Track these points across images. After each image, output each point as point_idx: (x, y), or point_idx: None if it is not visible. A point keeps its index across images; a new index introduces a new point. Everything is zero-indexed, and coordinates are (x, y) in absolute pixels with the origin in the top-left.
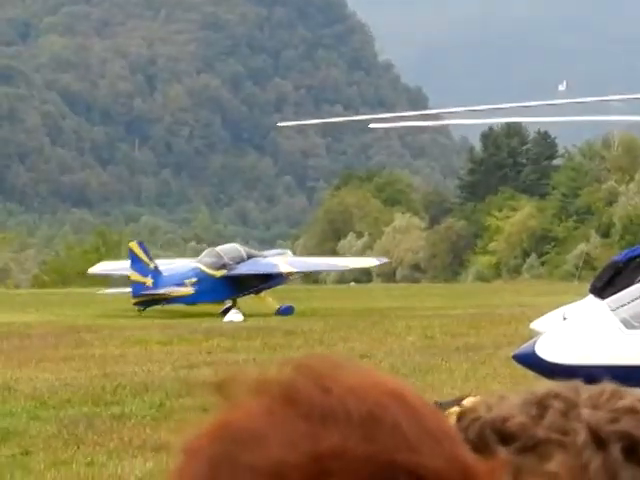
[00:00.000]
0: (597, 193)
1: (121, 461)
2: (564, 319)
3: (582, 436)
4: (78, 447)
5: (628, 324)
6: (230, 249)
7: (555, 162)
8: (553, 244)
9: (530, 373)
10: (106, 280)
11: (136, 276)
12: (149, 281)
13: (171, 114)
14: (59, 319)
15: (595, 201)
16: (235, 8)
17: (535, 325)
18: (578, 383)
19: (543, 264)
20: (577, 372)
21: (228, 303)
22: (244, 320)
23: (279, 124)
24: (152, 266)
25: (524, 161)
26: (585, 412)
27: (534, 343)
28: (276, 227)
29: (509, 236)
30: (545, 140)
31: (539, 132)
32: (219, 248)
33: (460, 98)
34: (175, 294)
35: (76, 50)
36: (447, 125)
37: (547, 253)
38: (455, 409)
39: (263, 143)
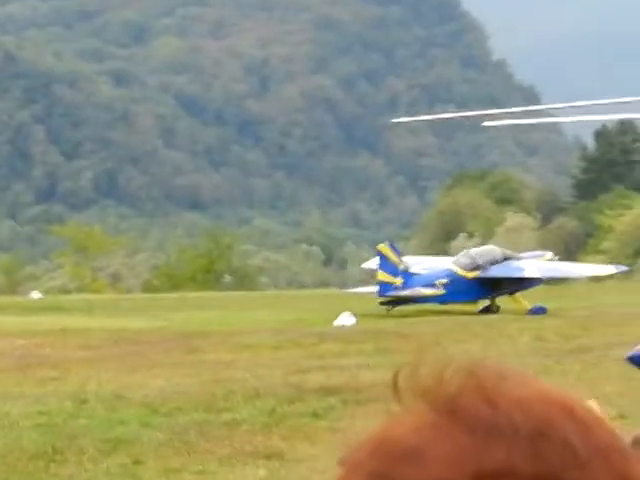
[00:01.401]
0: None
1: (232, 468)
2: None
3: None
4: (189, 455)
5: None
6: (486, 251)
7: None
8: None
9: None
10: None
11: (384, 276)
12: (399, 281)
13: (284, 115)
14: (170, 324)
15: None
16: (349, 7)
17: None
18: None
19: None
20: None
21: (485, 302)
22: (357, 323)
23: (393, 120)
24: (402, 267)
25: (637, 159)
26: None
27: None
28: (388, 228)
29: (621, 235)
30: None
31: None
32: (474, 250)
33: (574, 96)
34: (424, 294)
35: (190, 52)
36: (559, 123)
37: None
38: None
39: (376, 143)
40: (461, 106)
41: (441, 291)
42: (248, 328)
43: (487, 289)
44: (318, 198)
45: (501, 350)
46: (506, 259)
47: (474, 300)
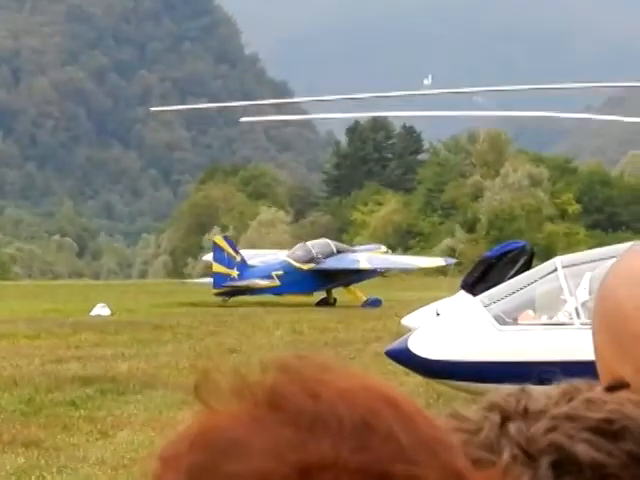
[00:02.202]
0: (462, 188)
1: None
2: (437, 315)
3: (506, 454)
4: None
5: (501, 320)
6: (320, 244)
7: (421, 157)
8: (418, 239)
9: (400, 369)
10: None
11: (219, 268)
12: (234, 273)
13: (36, 106)
14: None
15: (460, 196)
16: (101, 0)
17: (406, 321)
18: (526, 387)
19: None
20: (450, 368)
21: (322, 294)
22: (112, 314)
23: (152, 109)
24: (238, 259)
25: (390, 155)
26: (513, 426)
27: (407, 339)
28: (141, 220)
29: (374, 231)
30: (410, 134)
31: (404, 126)
32: (309, 243)
33: (326, 92)
34: (259, 286)
35: None
36: (312, 119)
37: (412, 248)
38: None
39: (128, 136)
40: (214, 101)
41: (276, 283)
42: (3, 317)
43: (322, 281)
44: (70, 189)
45: (256, 343)
46: (340, 252)
47: (309, 291)
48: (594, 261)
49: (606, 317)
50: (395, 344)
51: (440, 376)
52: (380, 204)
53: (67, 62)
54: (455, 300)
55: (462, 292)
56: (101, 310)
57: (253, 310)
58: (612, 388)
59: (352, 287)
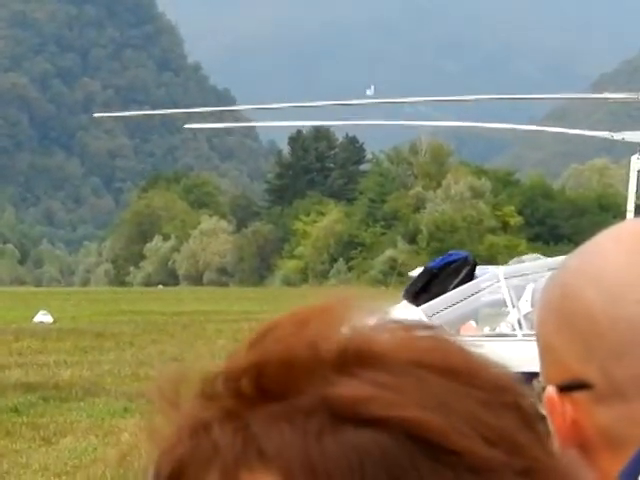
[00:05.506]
0: (404, 199)
1: None
2: None
3: None
4: None
5: None
6: (532, 259)
7: (363, 167)
8: (360, 249)
9: None
10: None
11: None
12: None
13: None
14: None
15: (402, 207)
16: (44, 6)
17: None
18: None
19: (350, 269)
20: None
21: None
22: (54, 322)
23: (95, 115)
24: None
25: (332, 165)
26: None
27: None
28: (82, 228)
29: (316, 241)
30: (353, 145)
31: (347, 137)
32: (525, 257)
33: (267, 101)
34: None
35: None
36: (255, 128)
37: (354, 258)
38: None
39: (70, 143)
40: (156, 108)
41: None
42: None
43: None
44: (12, 196)
45: (198, 352)
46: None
47: None
48: (536, 273)
49: (570, 316)
50: None
51: None
52: (322, 214)
53: (10, 68)
54: (397, 310)
55: (404, 302)
56: (43, 317)
57: (194, 319)
58: (570, 387)
59: None
